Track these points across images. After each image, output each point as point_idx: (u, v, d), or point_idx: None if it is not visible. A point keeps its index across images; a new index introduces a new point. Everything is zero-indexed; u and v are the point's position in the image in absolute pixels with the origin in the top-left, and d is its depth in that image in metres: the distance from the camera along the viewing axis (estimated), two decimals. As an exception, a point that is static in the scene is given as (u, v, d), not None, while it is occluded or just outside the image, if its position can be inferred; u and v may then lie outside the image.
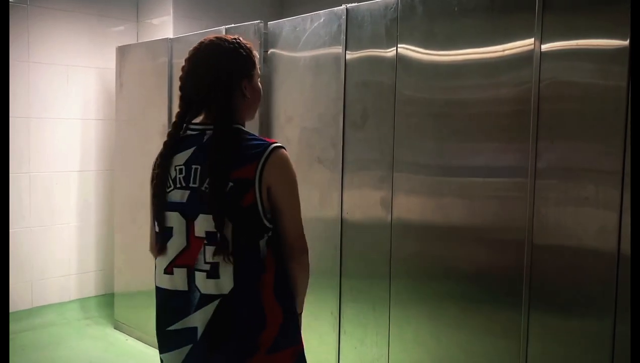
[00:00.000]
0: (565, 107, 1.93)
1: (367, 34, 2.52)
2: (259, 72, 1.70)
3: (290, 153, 1.61)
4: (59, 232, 4.29)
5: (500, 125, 2.10)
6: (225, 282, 1.53)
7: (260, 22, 3.07)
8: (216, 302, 1.54)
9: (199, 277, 1.55)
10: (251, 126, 1.68)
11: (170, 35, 3.97)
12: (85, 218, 4.40)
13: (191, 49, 1.65)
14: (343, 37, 2.61)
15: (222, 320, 1.55)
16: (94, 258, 4.47)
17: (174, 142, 1.60)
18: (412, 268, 2.42)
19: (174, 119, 1.65)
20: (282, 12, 4.82)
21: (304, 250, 1.64)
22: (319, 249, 2.82)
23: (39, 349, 3.77)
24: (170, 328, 1.59)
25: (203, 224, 1.53)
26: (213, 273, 1.53)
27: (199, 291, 1.55)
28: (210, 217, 1.50)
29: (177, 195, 1.57)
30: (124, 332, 4.05)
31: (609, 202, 1.82)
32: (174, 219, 1.57)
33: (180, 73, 1.68)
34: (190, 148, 1.58)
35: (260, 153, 1.53)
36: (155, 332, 1.66)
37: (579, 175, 1.90)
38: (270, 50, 3.02)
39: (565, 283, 1.96)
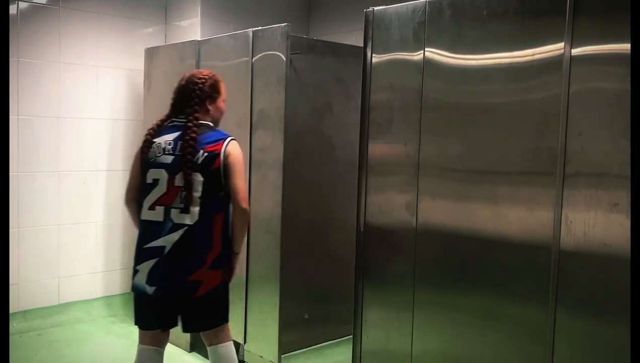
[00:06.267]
0: (596, 112, 1.91)
1: (394, 37, 2.52)
2: (224, 96, 2.66)
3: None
4: (87, 230, 4.36)
5: (528, 130, 2.08)
6: (192, 216, 2.41)
7: (287, 25, 3.09)
8: (182, 230, 2.41)
9: (174, 212, 2.42)
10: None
11: (198, 38, 4.02)
12: (112, 217, 4.46)
13: (180, 78, 2.66)
14: (369, 39, 2.61)
15: (184, 243, 2.41)
16: (120, 256, 4.53)
17: (161, 127, 2.55)
18: (437, 272, 2.40)
19: (163, 115, 2.59)
20: (309, 15, 4.84)
21: (243, 200, 2.48)
22: (344, 251, 2.82)
23: (65, 345, 3.84)
24: (146, 246, 2.44)
25: (182, 178, 2.41)
26: (185, 210, 2.42)
27: (172, 221, 2.42)
28: (189, 172, 2.40)
29: (166, 158, 2.46)
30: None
31: (640, 209, 1.79)
32: (161, 174, 2.45)
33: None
34: (177, 131, 2.50)
35: (225, 138, 2.50)
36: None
37: (609, 181, 1.88)
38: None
39: (593, 289, 1.93)
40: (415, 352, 2.48)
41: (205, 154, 2.43)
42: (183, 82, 2.61)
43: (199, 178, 2.41)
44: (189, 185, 2.40)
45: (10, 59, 3.90)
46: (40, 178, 4.11)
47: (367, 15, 2.62)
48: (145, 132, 2.57)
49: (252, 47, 3.28)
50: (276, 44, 3.14)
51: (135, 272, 2.48)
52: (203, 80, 2.58)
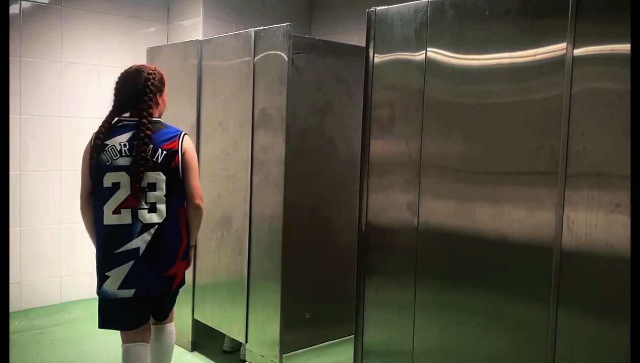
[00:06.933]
0: (598, 113, 1.91)
1: (396, 37, 2.52)
2: (166, 90, 2.66)
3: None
4: (88, 229, 4.36)
5: (530, 130, 2.08)
6: (160, 214, 2.45)
7: (289, 25, 3.09)
8: (153, 229, 2.43)
9: (141, 213, 2.42)
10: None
11: (200, 37, 4.02)
12: (113, 216, 4.47)
13: (123, 71, 2.59)
14: (371, 39, 2.61)
15: (157, 241, 2.44)
16: (121, 255, 4.54)
17: (109, 128, 2.48)
18: (438, 272, 2.40)
19: (107, 115, 2.52)
20: (310, 14, 4.84)
21: (198, 198, 2.54)
22: (345, 251, 2.82)
23: (66, 344, 3.85)
24: (118, 251, 2.42)
25: (146, 179, 2.42)
26: (152, 209, 2.44)
27: (141, 222, 2.42)
28: (152, 173, 2.42)
29: (124, 161, 2.42)
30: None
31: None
32: (122, 177, 2.41)
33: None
34: (129, 131, 2.46)
35: (179, 134, 2.52)
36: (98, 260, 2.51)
37: (611, 182, 1.87)
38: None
39: (594, 290, 1.93)
40: (417, 351, 2.48)
41: (165, 153, 2.45)
42: (130, 78, 2.54)
43: (161, 177, 2.44)
44: (153, 186, 2.43)
45: (13, 58, 3.91)
46: (42, 177, 4.12)
47: (369, 15, 2.62)
48: (93, 135, 2.51)
49: (254, 47, 3.29)
50: (278, 43, 3.14)
51: (105, 277, 2.46)
52: (153, 74, 2.55)
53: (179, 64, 3.84)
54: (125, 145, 2.44)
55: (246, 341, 3.41)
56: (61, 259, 4.26)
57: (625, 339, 1.83)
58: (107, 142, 2.45)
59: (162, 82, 2.61)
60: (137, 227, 2.42)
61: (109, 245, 2.44)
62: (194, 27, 4.32)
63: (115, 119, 2.51)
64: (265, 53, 3.23)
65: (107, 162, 2.43)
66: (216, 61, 3.58)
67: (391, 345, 2.58)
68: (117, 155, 2.43)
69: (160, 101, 2.59)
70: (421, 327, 2.45)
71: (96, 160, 2.45)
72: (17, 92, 3.95)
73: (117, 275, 2.43)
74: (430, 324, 2.42)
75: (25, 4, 3.96)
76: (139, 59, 4.30)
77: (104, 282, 2.46)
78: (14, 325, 4.00)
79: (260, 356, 3.31)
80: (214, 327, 3.65)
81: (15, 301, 4.05)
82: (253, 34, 3.29)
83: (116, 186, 2.42)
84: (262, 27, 3.26)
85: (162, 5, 4.55)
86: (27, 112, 4.01)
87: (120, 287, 2.44)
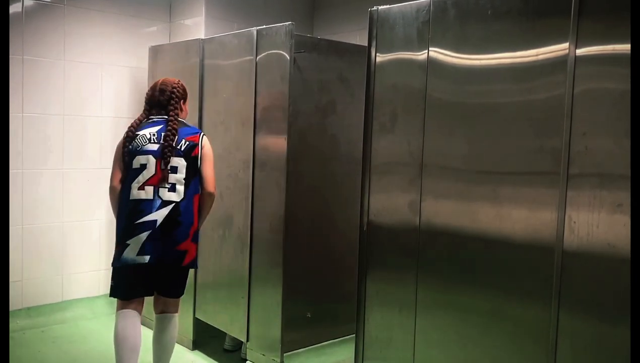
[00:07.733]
0: (600, 113, 1.90)
1: (398, 36, 2.52)
2: (188, 99, 3.10)
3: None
4: (90, 228, 4.37)
5: (532, 130, 2.08)
6: (179, 194, 2.83)
7: (291, 24, 3.09)
8: (170, 206, 2.80)
9: (162, 191, 2.81)
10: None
11: (202, 36, 4.02)
12: (115, 214, 4.47)
13: (153, 83, 3.06)
14: (373, 39, 2.61)
15: (173, 217, 2.80)
16: (123, 254, 4.54)
17: (139, 124, 2.93)
18: (439, 272, 2.40)
19: (139, 115, 2.98)
20: (312, 14, 4.84)
21: (211, 185, 2.93)
22: (347, 250, 2.82)
23: (68, 342, 3.85)
24: (138, 221, 2.78)
25: (170, 162, 2.82)
26: (172, 189, 2.82)
27: (161, 199, 2.80)
28: (175, 158, 2.84)
29: (152, 146, 2.84)
30: (150, 328, 4.10)
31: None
32: (149, 159, 2.82)
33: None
34: (158, 126, 2.90)
35: (199, 132, 2.99)
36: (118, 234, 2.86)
37: (613, 182, 1.87)
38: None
39: (596, 290, 1.93)
40: (417, 351, 2.48)
41: (187, 143, 2.88)
42: (159, 87, 2.98)
43: (182, 162, 2.84)
44: (175, 169, 2.82)
45: (15, 57, 3.92)
46: (44, 176, 4.13)
47: (371, 14, 2.62)
48: (127, 129, 2.92)
49: (256, 46, 3.29)
50: (280, 42, 3.14)
51: (126, 246, 2.78)
52: (178, 84, 3.01)
53: (181, 62, 3.84)
54: (154, 134, 2.87)
55: (247, 340, 3.41)
56: (63, 257, 4.26)
57: (626, 339, 1.83)
58: (138, 133, 2.87)
59: (185, 91, 3.04)
60: (157, 203, 2.79)
61: (132, 216, 2.79)
62: (196, 26, 4.31)
63: (146, 118, 2.95)
64: (268, 52, 3.23)
65: (138, 147, 2.85)
66: (218, 60, 3.58)
67: (392, 345, 2.58)
68: (146, 142, 2.85)
69: (183, 107, 3.02)
70: (422, 326, 2.46)
71: (128, 148, 2.86)
72: (20, 90, 3.95)
73: (135, 242, 2.76)
74: (432, 324, 2.42)
75: (27, 3, 3.97)
76: (142, 58, 4.31)
77: (125, 250, 2.78)
78: (16, 323, 4.00)
79: (262, 355, 3.31)
80: (215, 325, 3.65)
81: (18, 299, 4.05)
82: (255, 33, 3.29)
83: (143, 167, 2.82)
84: (264, 26, 3.27)
85: (165, 4, 4.55)
86: (29, 110, 4.02)
87: (139, 254, 2.76)
